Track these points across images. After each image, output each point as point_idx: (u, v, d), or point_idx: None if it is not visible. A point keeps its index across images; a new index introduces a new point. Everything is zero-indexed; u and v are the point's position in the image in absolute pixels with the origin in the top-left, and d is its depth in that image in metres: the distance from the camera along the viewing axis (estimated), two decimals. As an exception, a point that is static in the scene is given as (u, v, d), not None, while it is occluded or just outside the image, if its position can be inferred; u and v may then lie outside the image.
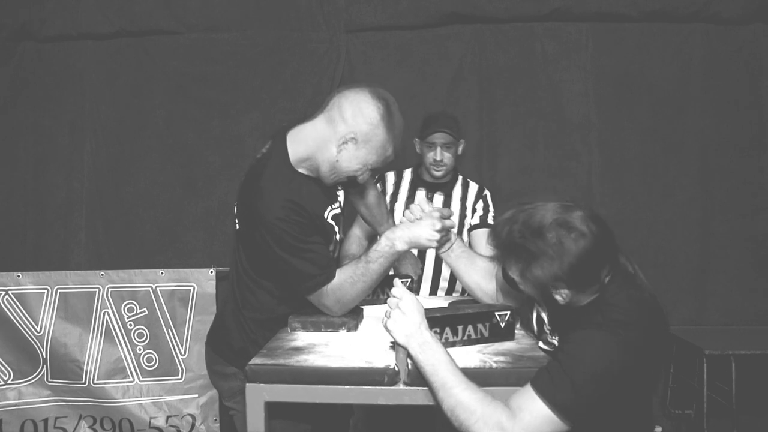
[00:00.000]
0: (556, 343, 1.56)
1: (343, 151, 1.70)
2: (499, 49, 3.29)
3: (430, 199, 2.50)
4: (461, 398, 1.27)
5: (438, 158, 2.48)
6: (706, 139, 3.25)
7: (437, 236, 1.73)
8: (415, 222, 1.77)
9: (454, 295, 2.57)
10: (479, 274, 1.86)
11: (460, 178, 2.63)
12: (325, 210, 1.82)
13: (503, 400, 1.29)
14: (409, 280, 2.21)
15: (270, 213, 1.64)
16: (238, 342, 1.82)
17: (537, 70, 3.27)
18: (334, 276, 1.70)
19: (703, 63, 3.24)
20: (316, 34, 3.32)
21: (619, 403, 1.34)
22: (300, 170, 1.76)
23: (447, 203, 2.57)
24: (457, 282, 2.53)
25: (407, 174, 2.66)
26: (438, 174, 2.53)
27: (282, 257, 1.66)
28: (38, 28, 3.34)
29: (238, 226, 1.82)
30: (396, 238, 1.73)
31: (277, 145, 1.77)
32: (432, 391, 1.31)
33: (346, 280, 1.70)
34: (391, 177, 2.66)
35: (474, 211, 2.56)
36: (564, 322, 1.51)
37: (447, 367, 1.31)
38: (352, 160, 1.72)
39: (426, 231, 1.73)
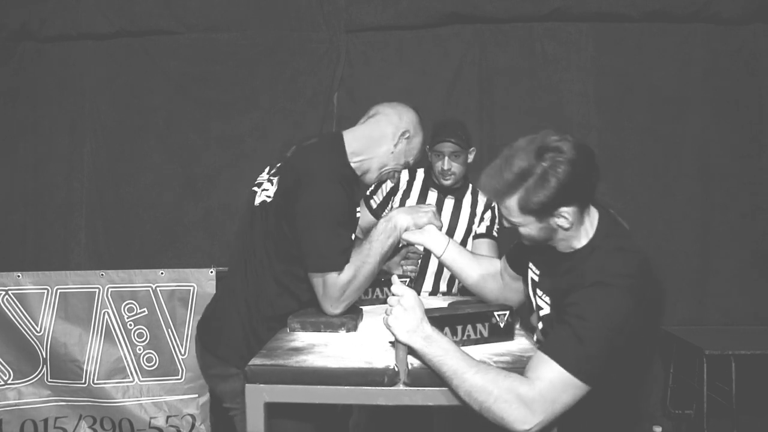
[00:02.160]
0: (547, 302, 1.55)
1: (399, 145, 1.94)
2: (499, 49, 3.29)
3: (442, 199, 2.55)
4: (476, 381, 1.28)
5: (446, 167, 2.45)
6: (706, 139, 3.24)
7: (433, 207, 1.90)
8: None
9: (446, 294, 2.57)
10: (484, 269, 1.88)
11: (471, 186, 2.59)
12: (356, 208, 1.92)
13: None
14: (408, 279, 2.21)
15: (332, 176, 1.74)
16: (245, 344, 1.79)
17: (537, 70, 3.27)
18: (348, 261, 1.73)
19: (703, 63, 3.23)
20: (316, 34, 3.32)
21: (627, 353, 1.37)
22: (351, 164, 1.88)
23: (457, 208, 2.55)
24: (456, 283, 2.54)
25: (420, 174, 2.65)
26: (447, 183, 2.50)
27: (321, 224, 1.70)
28: (38, 28, 3.34)
29: (270, 199, 1.82)
30: (392, 212, 1.86)
31: (333, 138, 1.93)
32: (445, 382, 1.32)
33: (355, 264, 1.73)
34: (404, 174, 2.65)
35: (482, 220, 2.54)
36: (556, 281, 1.51)
37: (455, 354, 1.32)
38: (401, 154, 1.96)
39: (422, 206, 1.90)
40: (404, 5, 3.24)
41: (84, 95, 3.41)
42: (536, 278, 1.63)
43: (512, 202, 1.44)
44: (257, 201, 1.88)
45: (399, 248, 2.36)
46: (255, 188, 1.94)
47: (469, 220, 2.55)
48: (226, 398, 1.85)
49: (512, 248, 1.87)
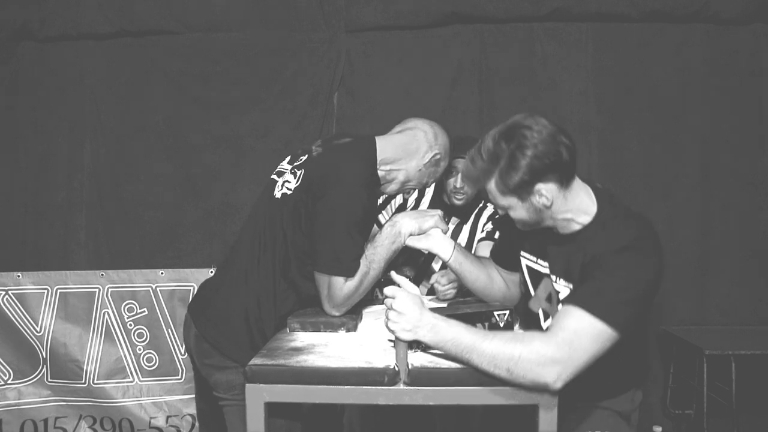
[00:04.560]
0: (564, 286, 1.56)
1: (429, 165, 1.93)
2: (499, 49, 3.29)
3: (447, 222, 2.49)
4: (494, 348, 1.30)
5: (458, 185, 2.35)
6: (706, 139, 3.24)
7: (439, 212, 1.91)
8: None
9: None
10: (490, 269, 1.89)
11: (482, 202, 2.49)
12: (375, 216, 1.95)
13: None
14: (408, 278, 2.21)
15: (361, 180, 1.74)
16: (248, 339, 1.78)
17: (537, 70, 3.27)
18: (358, 267, 1.73)
19: (703, 63, 3.23)
20: (316, 34, 3.32)
21: (646, 308, 1.46)
22: (379, 171, 1.87)
23: (458, 228, 2.48)
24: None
25: (429, 191, 2.55)
26: (458, 203, 2.40)
27: (341, 227, 1.69)
28: (38, 28, 3.34)
29: (291, 192, 1.80)
30: (397, 216, 1.86)
31: (366, 142, 1.90)
32: (464, 361, 1.34)
33: (361, 270, 1.74)
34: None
35: (483, 230, 2.47)
36: (570, 261, 1.54)
37: (466, 331, 1.34)
38: (426, 174, 1.96)
39: (427, 210, 1.92)
40: (404, 5, 3.24)
41: (84, 95, 3.40)
42: (543, 269, 1.63)
43: (491, 186, 1.50)
44: (278, 193, 1.85)
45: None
46: (275, 177, 1.92)
47: (470, 234, 2.46)
48: (220, 388, 1.82)
49: (495, 246, 1.92)
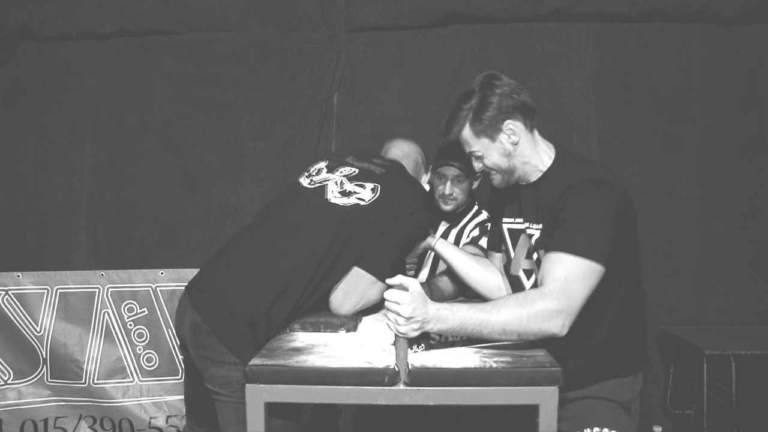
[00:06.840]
0: (536, 229, 1.69)
1: (425, 179, 2.30)
2: (499, 49, 3.28)
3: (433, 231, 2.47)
4: (502, 317, 1.40)
5: (447, 192, 2.31)
6: (706, 139, 3.24)
7: None
8: None
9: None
10: (474, 258, 2.02)
11: (475, 208, 2.47)
12: None
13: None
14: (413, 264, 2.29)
15: (431, 204, 2.06)
16: (253, 344, 1.71)
17: (537, 70, 3.27)
18: None
19: (703, 63, 3.23)
20: (316, 34, 3.32)
21: (626, 246, 1.58)
22: None
23: (447, 231, 2.46)
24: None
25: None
26: (447, 209, 2.37)
27: (406, 239, 1.90)
28: (38, 28, 3.34)
29: (366, 203, 1.85)
30: None
31: (399, 167, 2.10)
32: (477, 338, 1.43)
33: None
34: None
35: (469, 235, 2.42)
36: (539, 206, 1.67)
37: (471, 312, 1.42)
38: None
39: None
40: (404, 5, 3.24)
41: (84, 95, 3.40)
42: (520, 225, 1.76)
43: (467, 131, 1.67)
44: (339, 200, 1.85)
45: None
46: (321, 179, 1.94)
47: (457, 238, 2.43)
48: (215, 383, 1.75)
49: (490, 234, 2.05)
